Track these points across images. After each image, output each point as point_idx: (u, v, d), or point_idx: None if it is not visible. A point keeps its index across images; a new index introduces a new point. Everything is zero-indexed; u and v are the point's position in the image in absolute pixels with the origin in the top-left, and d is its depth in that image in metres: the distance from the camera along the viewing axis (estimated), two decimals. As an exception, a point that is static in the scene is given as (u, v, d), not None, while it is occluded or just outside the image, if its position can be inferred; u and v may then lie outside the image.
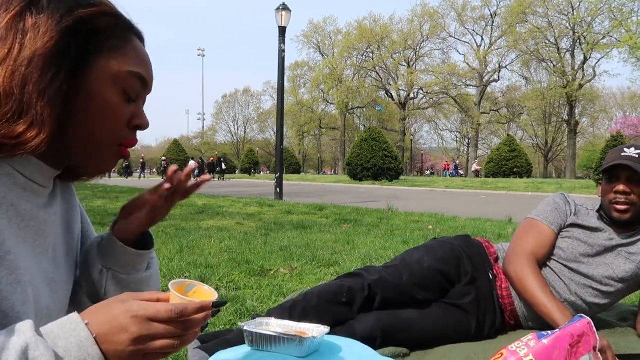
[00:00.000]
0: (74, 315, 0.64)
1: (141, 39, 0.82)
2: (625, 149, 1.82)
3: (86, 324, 0.63)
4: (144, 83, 0.80)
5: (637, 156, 1.77)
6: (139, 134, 0.84)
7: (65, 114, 0.71)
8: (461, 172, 45.06)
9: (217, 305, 0.70)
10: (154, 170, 37.95)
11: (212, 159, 37.27)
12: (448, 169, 46.19)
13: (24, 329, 0.60)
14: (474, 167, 36.76)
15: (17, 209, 0.71)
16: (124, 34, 0.78)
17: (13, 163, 0.72)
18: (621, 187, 1.78)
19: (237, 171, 51.17)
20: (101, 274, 0.88)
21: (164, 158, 40.51)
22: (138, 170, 39.09)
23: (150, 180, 30.36)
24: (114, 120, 0.76)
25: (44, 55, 0.68)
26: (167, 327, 0.65)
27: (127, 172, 37.33)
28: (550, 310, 1.69)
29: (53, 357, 0.59)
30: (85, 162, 0.78)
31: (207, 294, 0.77)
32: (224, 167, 34.23)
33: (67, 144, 0.74)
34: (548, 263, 1.92)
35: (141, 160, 39.53)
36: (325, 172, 64.25)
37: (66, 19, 0.70)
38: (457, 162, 48.00)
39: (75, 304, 0.87)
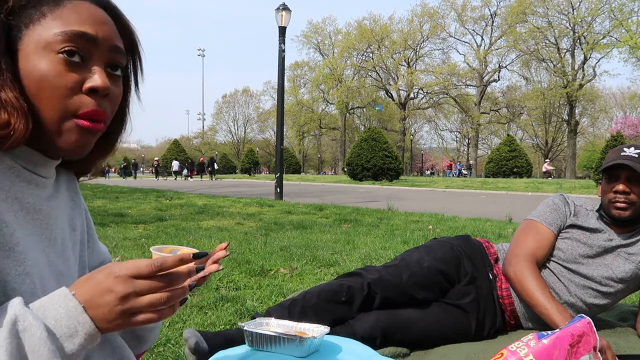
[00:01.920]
0: (62, 288, 0.64)
1: (95, 2, 0.76)
2: (625, 149, 1.82)
3: (73, 294, 0.63)
4: (90, 40, 0.72)
5: (637, 156, 1.77)
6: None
7: (24, 97, 0.69)
8: (465, 172, 44.76)
9: (198, 257, 0.69)
10: (151, 169, 38.74)
11: (201, 159, 37.64)
12: (450, 168, 46.02)
13: (13, 303, 0.61)
14: (545, 167, 33.05)
15: (21, 202, 0.71)
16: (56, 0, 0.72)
17: (14, 156, 0.72)
18: (621, 187, 1.78)
19: (237, 171, 51.22)
20: None
21: (156, 159, 41.09)
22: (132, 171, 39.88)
23: (144, 180, 30.48)
24: (54, 90, 0.69)
25: None
26: (150, 282, 0.64)
27: (125, 172, 37.72)
28: (549, 311, 1.69)
29: (42, 326, 0.59)
30: (49, 144, 0.73)
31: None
32: (216, 167, 34.76)
33: (42, 129, 0.72)
34: (547, 264, 1.92)
35: (133, 161, 40.43)
36: (325, 172, 64.21)
37: None
38: (469, 163, 47.39)
39: None
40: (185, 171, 35.08)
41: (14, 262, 0.67)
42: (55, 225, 0.78)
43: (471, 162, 37.38)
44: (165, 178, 35.79)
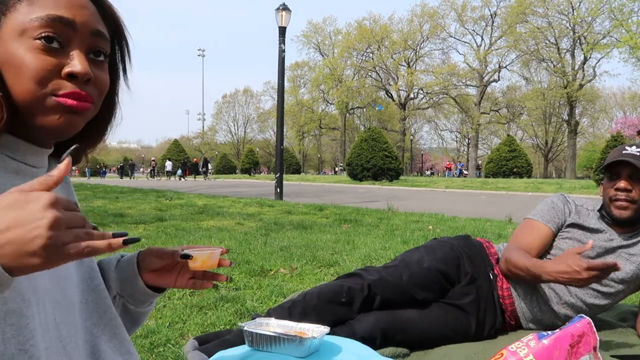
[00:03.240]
0: None
1: None
2: (627, 147, 1.82)
3: None
4: (68, 24, 0.70)
5: (638, 154, 1.77)
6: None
7: (2, 85, 0.68)
8: (465, 172, 44.75)
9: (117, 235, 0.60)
10: (150, 170, 39.42)
11: (195, 159, 38.11)
12: (449, 169, 46.03)
13: None
14: None
15: None
16: None
17: (1, 148, 0.70)
18: (622, 184, 1.78)
19: (237, 171, 51.24)
20: (115, 299, 0.92)
21: (153, 159, 41.58)
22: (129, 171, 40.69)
23: (139, 180, 30.56)
24: (32, 75, 0.68)
25: None
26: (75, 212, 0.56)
27: (122, 172, 38.13)
28: (538, 265, 1.70)
29: None
30: (32, 128, 0.71)
31: None
32: (209, 167, 35.52)
33: (15, 114, 0.69)
34: (548, 264, 1.91)
35: (130, 161, 41.05)
36: (325, 172, 64.23)
37: None
38: (478, 163, 47.38)
39: None
40: (179, 171, 35.60)
41: None
42: None
43: (479, 161, 37.39)
44: (159, 178, 36.20)
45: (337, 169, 59.21)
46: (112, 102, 0.84)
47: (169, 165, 37.52)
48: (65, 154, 0.61)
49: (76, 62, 0.70)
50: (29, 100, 0.69)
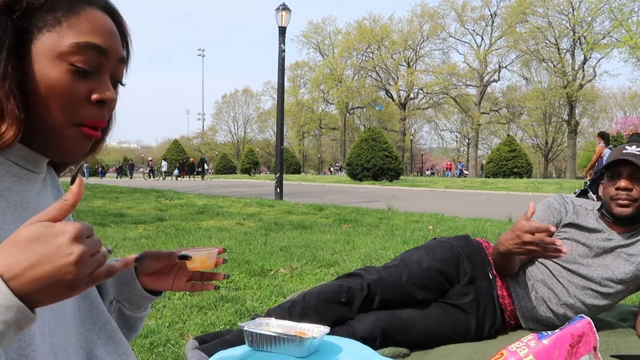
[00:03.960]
0: None
1: (105, 9, 0.76)
2: (627, 147, 1.82)
3: None
4: (102, 52, 0.72)
5: (638, 153, 1.77)
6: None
7: (23, 99, 0.68)
8: (466, 172, 44.72)
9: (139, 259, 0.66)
10: (149, 170, 39.82)
11: (191, 160, 38.42)
12: (450, 169, 46.03)
13: None
14: None
15: (7, 199, 0.70)
16: (69, 7, 0.71)
17: (3, 151, 0.71)
18: (623, 183, 1.78)
19: (237, 171, 51.25)
20: (111, 304, 0.92)
21: (150, 159, 41.87)
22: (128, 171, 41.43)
23: (137, 180, 30.59)
24: (65, 99, 0.70)
25: None
26: (94, 237, 0.57)
27: (120, 172, 38.45)
28: (499, 238, 1.76)
29: None
30: (48, 147, 0.74)
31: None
32: (206, 167, 35.92)
33: (36, 132, 0.71)
34: (546, 265, 1.91)
35: (130, 162, 41.38)
36: (326, 172, 64.26)
37: None
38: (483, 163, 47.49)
39: None
40: (175, 171, 35.90)
41: None
42: None
43: (483, 162, 37.54)
44: (157, 178, 36.44)
45: (332, 168, 59.29)
46: (111, 116, 0.86)
47: (164, 165, 37.96)
48: (75, 173, 0.63)
49: (105, 90, 0.73)
50: (52, 125, 0.71)
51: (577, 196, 3.28)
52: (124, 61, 0.78)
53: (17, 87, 0.67)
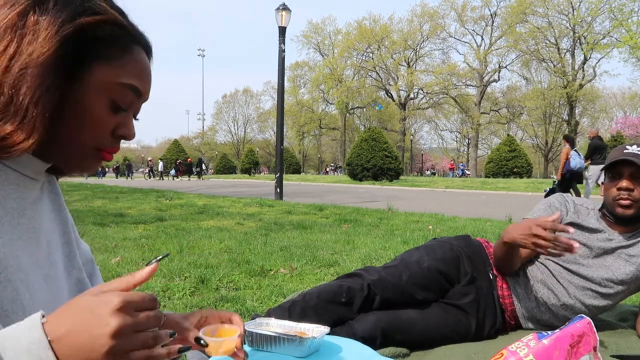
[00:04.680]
0: (37, 314, 0.55)
1: (147, 50, 0.80)
2: (628, 147, 1.82)
3: (43, 323, 0.54)
4: (138, 94, 0.78)
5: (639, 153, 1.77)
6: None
7: (53, 116, 0.70)
8: (468, 172, 44.77)
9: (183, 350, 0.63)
10: (148, 170, 40.16)
11: (189, 159, 38.73)
12: (453, 169, 46.09)
13: None
14: None
15: (5, 207, 0.70)
16: (125, 44, 0.75)
17: (4, 159, 0.71)
18: (624, 184, 1.78)
19: (237, 171, 51.25)
20: None
21: (150, 159, 42.27)
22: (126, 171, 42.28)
23: (136, 180, 30.60)
24: (96, 128, 0.74)
25: (41, 64, 0.66)
26: (149, 314, 0.57)
27: (117, 172, 38.89)
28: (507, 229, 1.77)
29: None
30: (66, 162, 0.77)
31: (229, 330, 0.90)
32: (204, 167, 36.35)
33: (52, 143, 0.73)
34: (546, 265, 1.91)
35: (127, 162, 41.88)
36: (326, 172, 64.27)
37: (67, 27, 0.69)
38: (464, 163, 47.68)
39: None
40: (173, 171, 36.27)
41: None
42: (40, 228, 0.77)
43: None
44: (157, 178, 36.75)
45: (328, 168, 59.32)
46: None
47: (160, 165, 38.55)
48: (155, 260, 0.67)
49: (130, 128, 0.79)
50: (76, 146, 0.75)
51: (546, 195, 3.33)
52: (145, 101, 0.83)
53: (54, 107, 0.69)
